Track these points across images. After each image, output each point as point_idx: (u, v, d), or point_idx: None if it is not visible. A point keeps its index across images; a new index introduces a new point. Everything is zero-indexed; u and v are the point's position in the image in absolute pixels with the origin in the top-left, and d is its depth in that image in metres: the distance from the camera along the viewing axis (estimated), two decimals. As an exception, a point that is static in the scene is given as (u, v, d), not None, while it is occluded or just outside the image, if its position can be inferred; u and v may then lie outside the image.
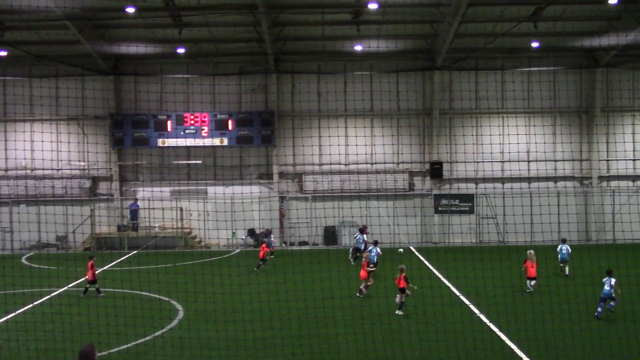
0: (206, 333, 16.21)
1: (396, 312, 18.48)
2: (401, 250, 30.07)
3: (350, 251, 28.94)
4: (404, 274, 18.62)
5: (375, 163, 35.66)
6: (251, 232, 34.90)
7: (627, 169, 35.79)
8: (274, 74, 35.03)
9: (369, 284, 21.44)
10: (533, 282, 21.59)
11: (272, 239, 31.01)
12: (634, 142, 35.66)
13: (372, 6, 28.75)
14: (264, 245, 27.32)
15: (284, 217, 35.37)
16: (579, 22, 31.99)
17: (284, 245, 34.93)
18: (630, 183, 35.65)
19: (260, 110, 35.21)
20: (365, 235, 28.40)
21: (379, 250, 24.62)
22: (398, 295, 18.73)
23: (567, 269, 24.46)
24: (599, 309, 17.72)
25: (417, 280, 20.12)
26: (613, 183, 35.68)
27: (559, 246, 24.94)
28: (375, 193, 35.08)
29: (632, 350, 14.80)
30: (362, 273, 21.54)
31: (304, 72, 35.04)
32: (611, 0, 28.46)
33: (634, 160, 35.76)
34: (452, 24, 30.10)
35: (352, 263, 27.83)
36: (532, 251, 22.19)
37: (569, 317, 16.92)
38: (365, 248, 26.45)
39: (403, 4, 29.65)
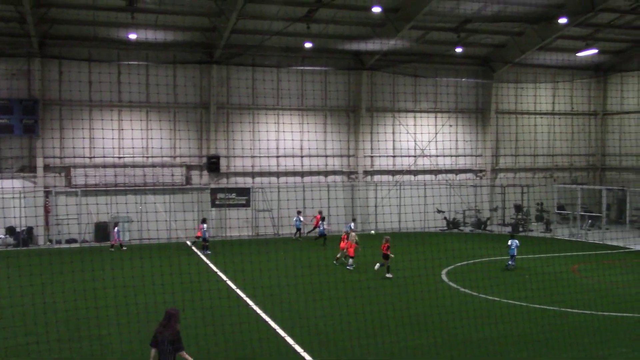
0: (-46, 345, 14.44)
1: (387, 275, 23.28)
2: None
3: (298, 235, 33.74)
4: (388, 244, 23.46)
5: (151, 157, 34.63)
6: (11, 231, 31.85)
7: (387, 165, 39.14)
8: (38, 58, 32.25)
9: (338, 255, 26.49)
10: (351, 261, 25.28)
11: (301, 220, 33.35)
12: (393, 140, 39.11)
13: (148, -6, 27.86)
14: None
15: (49, 214, 32.81)
16: (348, 27, 34.15)
17: (49, 243, 32.43)
18: (390, 177, 39.04)
19: (22, 98, 32.21)
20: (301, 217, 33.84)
21: (302, 217, 33.50)
22: (379, 263, 23.59)
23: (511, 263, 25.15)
24: (511, 263, 25.00)
25: (196, 274, 20.00)
26: (376, 177, 38.78)
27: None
28: (151, 187, 34.08)
29: (383, 330, 16.22)
30: (342, 244, 26.26)
31: (73, 59, 32.70)
32: (375, 9, 30.80)
33: (393, 156, 39.21)
34: (229, 18, 30.29)
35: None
36: (354, 234, 26.05)
37: (337, 302, 18.00)
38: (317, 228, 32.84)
39: (180, -5, 29.20)
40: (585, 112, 43.49)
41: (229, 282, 22.53)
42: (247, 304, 19.35)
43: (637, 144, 39.48)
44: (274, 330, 16.48)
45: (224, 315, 16.93)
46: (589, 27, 35.88)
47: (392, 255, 23.84)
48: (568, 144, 42.88)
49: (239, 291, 21.14)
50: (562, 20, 32.87)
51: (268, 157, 36.64)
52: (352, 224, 32.50)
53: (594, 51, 38.52)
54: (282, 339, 15.73)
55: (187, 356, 10.79)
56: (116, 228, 30.90)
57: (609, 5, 32.30)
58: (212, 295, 17.99)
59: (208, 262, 27.18)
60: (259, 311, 18.40)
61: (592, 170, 44.00)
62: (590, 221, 36.56)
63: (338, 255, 26.57)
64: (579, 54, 38.80)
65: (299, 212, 34.02)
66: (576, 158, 43.40)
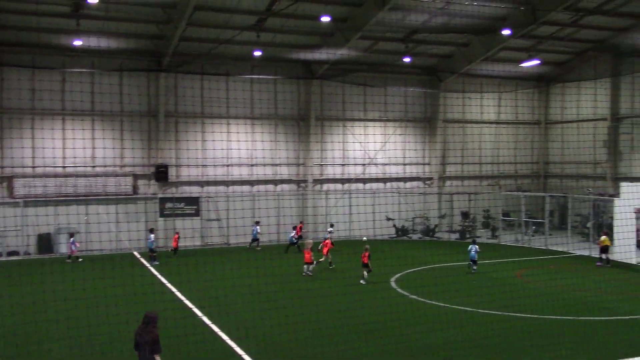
0: None
1: (360, 282, 23.70)
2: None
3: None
4: (368, 252, 23.76)
5: (98, 166, 33.85)
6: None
7: (337, 173, 39.25)
8: (-22, 65, 31.23)
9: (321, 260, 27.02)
10: (309, 267, 25.59)
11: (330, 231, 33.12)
12: (343, 149, 39.29)
13: (93, 0, 27.31)
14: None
15: (-10, 225, 31.68)
16: (298, 36, 34.27)
17: (-10, 256, 31.31)
18: (340, 186, 39.19)
19: (-39, 106, 31.13)
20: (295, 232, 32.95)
21: (258, 228, 33.43)
22: (365, 272, 23.86)
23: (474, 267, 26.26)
24: (474, 267, 25.80)
25: (141, 286, 19.62)
26: (326, 186, 38.87)
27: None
28: (98, 197, 33.30)
29: (334, 338, 16.23)
30: (324, 250, 27.23)
31: (15, 66, 31.72)
32: (324, 18, 30.97)
33: (343, 165, 39.38)
34: (178, 26, 29.98)
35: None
36: (310, 241, 26.87)
37: (287, 311, 17.92)
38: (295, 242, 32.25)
39: (127, 1, 28.70)
40: (529, 122, 44.66)
41: (178, 293, 22.19)
42: (196, 315, 19.08)
43: (578, 152, 40.74)
44: (223, 340, 16.29)
45: (171, 327, 16.63)
46: (532, 39, 36.91)
47: (371, 269, 23.84)
48: (512, 152, 43.90)
49: (187, 302, 20.82)
50: (506, 32, 33.72)
51: (216, 166, 36.27)
52: (331, 229, 33.36)
53: (537, 62, 39.63)
54: (232, 349, 15.57)
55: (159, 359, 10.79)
56: (72, 239, 30.13)
57: (550, 18, 33.30)
58: (160, 307, 17.68)
59: (156, 272, 26.70)
60: (207, 322, 18.16)
61: (536, 177, 45.15)
62: (534, 227, 37.49)
63: (327, 259, 27.15)
64: (522, 65, 39.84)
65: (257, 223, 33.86)
66: (520, 166, 44.48)
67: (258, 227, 33.76)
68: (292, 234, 32.71)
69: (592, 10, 33.49)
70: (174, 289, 22.85)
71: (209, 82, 35.41)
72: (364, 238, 33.99)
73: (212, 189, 36.10)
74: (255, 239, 33.61)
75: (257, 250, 33.04)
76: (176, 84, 35.18)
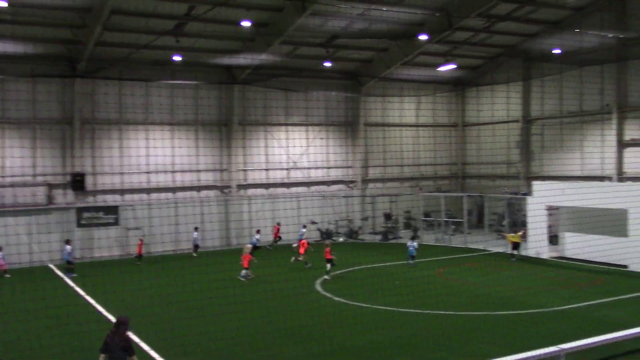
0: None
1: (325, 277, 25.24)
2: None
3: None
4: (329, 248, 25.84)
5: (7, 176, 32.28)
6: None
7: (260, 178, 39.07)
8: None
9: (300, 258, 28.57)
10: (244, 272, 25.71)
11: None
12: (266, 154, 39.20)
13: (2, 4, 26.15)
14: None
15: None
16: (218, 41, 33.97)
17: None
18: (264, 190, 39.09)
19: None
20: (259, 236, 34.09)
21: (195, 234, 33.63)
22: (328, 265, 25.52)
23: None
24: (411, 262, 28.42)
25: (55, 300, 18.91)
26: (250, 191, 38.65)
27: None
28: (7, 209, 31.78)
29: (260, 344, 16.15)
30: (301, 250, 28.50)
31: None
32: (244, 23, 30.85)
33: (266, 170, 39.28)
34: (93, 31, 29.11)
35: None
36: (248, 245, 27.38)
37: (213, 319, 17.71)
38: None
39: (37, 4, 27.64)
40: (447, 124, 45.96)
41: (96, 305, 21.49)
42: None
43: (492, 153, 42.29)
44: (144, 350, 15.91)
45: (93, 339, 16.10)
46: (448, 44, 38.04)
47: (334, 258, 25.84)
48: (432, 154, 45.00)
49: (106, 313, 20.21)
50: (423, 37, 34.59)
51: (136, 173, 35.30)
52: (304, 230, 34.01)
53: (453, 66, 40.87)
54: (153, 358, 15.23)
55: None
56: (0, 253, 28.63)
57: (465, 24, 34.44)
58: (77, 319, 17.11)
59: (74, 285, 25.78)
60: (129, 333, 17.64)
61: (454, 178, 46.49)
62: (453, 226, 38.57)
63: (300, 259, 28.49)
64: (439, 69, 40.97)
65: (196, 229, 33.79)
66: (439, 167, 45.70)
67: (196, 233, 33.66)
68: (257, 237, 33.51)
69: (503, 17, 34.87)
70: (91, 301, 22.13)
71: (127, 88, 34.58)
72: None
73: (132, 196, 35.21)
74: (195, 245, 33.64)
75: (194, 257, 32.75)
76: (93, 90, 34.13)
